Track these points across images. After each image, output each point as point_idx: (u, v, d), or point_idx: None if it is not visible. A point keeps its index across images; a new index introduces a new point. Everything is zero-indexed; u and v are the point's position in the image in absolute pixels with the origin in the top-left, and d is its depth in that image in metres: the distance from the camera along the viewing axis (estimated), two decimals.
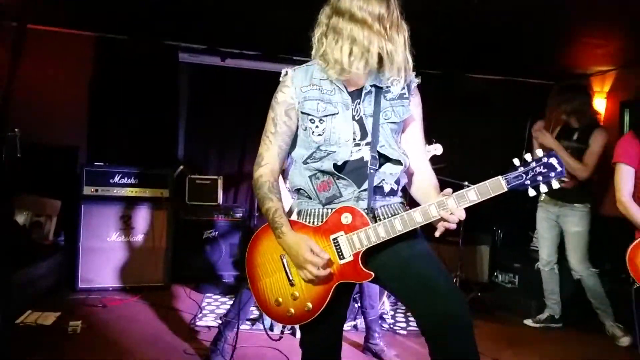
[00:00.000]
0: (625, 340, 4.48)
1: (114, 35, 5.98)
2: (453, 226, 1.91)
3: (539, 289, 5.10)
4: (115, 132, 6.01)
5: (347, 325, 4.42)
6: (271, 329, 3.99)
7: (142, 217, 5.37)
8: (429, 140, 4.37)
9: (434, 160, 4.36)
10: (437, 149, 4.38)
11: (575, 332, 4.78)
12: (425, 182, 2.18)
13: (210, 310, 4.80)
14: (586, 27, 4.79)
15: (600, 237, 4.85)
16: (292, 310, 2.05)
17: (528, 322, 4.98)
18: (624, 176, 3.35)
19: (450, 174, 5.32)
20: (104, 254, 5.22)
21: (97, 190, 5.23)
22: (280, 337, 3.59)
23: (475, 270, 6.11)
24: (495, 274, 6.02)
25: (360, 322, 4.34)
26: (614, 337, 4.55)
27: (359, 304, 4.13)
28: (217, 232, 5.77)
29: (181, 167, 5.73)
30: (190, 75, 6.43)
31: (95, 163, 5.36)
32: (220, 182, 5.96)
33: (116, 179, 5.30)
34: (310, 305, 2.02)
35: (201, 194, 5.89)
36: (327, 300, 1.99)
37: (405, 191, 2.28)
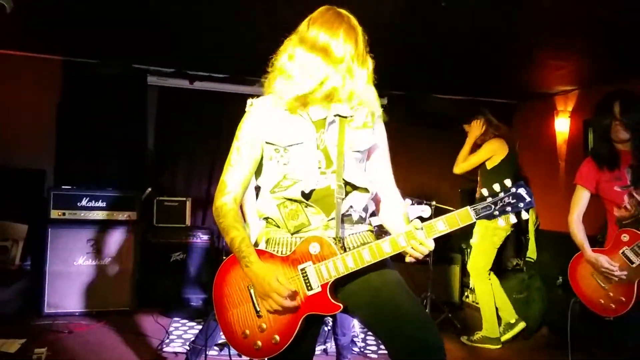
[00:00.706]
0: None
1: (82, 59, 5.93)
2: (421, 256, 1.92)
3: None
4: (83, 155, 5.96)
5: (317, 349, 4.40)
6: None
7: (109, 241, 5.30)
8: (418, 201, 4.41)
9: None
10: (425, 210, 4.41)
11: (545, 349, 4.83)
12: (394, 209, 2.18)
13: (177, 335, 4.74)
14: (546, 50, 4.91)
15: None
16: (260, 343, 2.01)
17: (464, 339, 5.07)
18: (577, 198, 3.46)
19: (418, 194, 5.38)
20: (71, 278, 5.13)
21: (64, 214, 5.15)
22: None
23: (446, 290, 6.12)
24: (466, 294, 6.06)
25: (330, 346, 4.32)
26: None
27: (329, 328, 4.11)
28: (185, 255, 5.70)
29: (149, 189, 5.66)
30: (158, 98, 6.40)
31: (63, 186, 5.29)
32: (188, 204, 5.91)
33: (84, 202, 5.23)
34: (277, 337, 1.98)
35: (169, 216, 5.83)
36: (295, 333, 1.96)
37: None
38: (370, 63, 2.09)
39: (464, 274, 6.22)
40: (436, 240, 1.91)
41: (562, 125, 6.39)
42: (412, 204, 4.34)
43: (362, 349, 4.55)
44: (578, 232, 3.42)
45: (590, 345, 3.73)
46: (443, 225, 1.88)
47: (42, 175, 5.78)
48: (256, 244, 2.18)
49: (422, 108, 6.81)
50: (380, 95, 6.70)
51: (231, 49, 5.33)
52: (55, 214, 5.12)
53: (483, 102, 7.01)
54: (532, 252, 6.04)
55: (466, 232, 6.29)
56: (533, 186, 6.67)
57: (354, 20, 2.06)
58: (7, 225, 5.25)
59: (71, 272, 5.13)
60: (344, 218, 2.08)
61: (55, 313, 5.01)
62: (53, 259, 5.08)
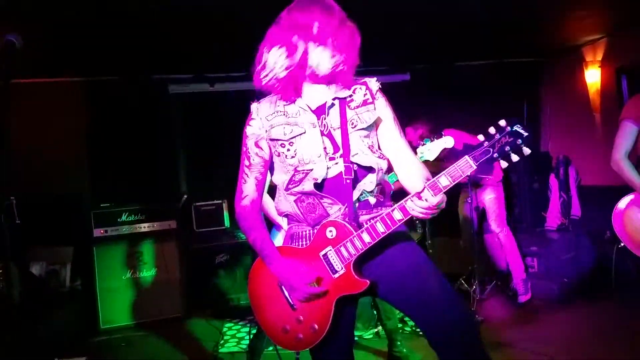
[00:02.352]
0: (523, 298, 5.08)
1: (103, 78, 6.05)
2: (425, 214, 1.89)
3: (560, 271, 5.04)
4: (116, 171, 6.08)
5: (370, 333, 4.42)
6: None
7: (153, 251, 5.41)
8: (438, 133, 4.34)
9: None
10: (448, 141, 4.31)
11: (597, 306, 4.71)
12: (412, 175, 2.12)
13: (231, 335, 4.81)
14: (567, 1, 4.74)
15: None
16: (301, 335, 2.06)
17: None
18: (624, 134, 3.31)
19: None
20: (122, 292, 5.27)
21: (106, 232, 5.29)
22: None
23: (492, 259, 6.00)
24: None
25: (382, 329, 4.32)
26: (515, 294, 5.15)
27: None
28: (228, 256, 5.75)
29: (185, 196, 5.76)
30: (183, 105, 6.49)
31: (102, 205, 5.41)
32: (225, 205, 5.97)
33: (123, 218, 5.35)
34: (316, 326, 2.03)
35: (208, 219, 5.91)
36: (331, 317, 2.00)
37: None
38: (354, 39, 2.06)
39: None
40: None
41: (593, 77, 6.17)
42: (432, 140, 4.24)
43: (414, 328, 4.52)
44: (628, 170, 3.26)
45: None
46: (446, 179, 1.86)
47: (80, 196, 5.94)
48: (285, 242, 2.24)
49: (447, 78, 6.68)
50: (402, 71, 6.62)
51: (245, 46, 5.34)
52: (97, 232, 5.26)
53: (509, 63, 6.85)
54: (576, 210, 5.90)
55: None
56: (570, 142, 6.54)
57: (329, 1, 2.04)
58: (53, 249, 5.42)
59: (121, 287, 5.27)
60: (363, 205, 2.08)
61: (111, 328, 5.16)
62: (102, 276, 5.22)
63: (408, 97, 5.87)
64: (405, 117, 5.71)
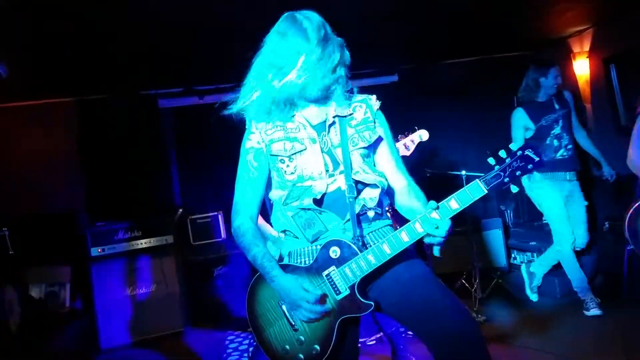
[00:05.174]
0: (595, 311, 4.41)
1: (92, 96, 6.02)
2: (440, 240, 1.88)
3: (560, 265, 5.03)
4: (111, 189, 6.05)
5: (372, 340, 4.40)
6: None
7: (151, 267, 5.37)
8: (411, 129, 4.31)
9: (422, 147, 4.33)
10: (423, 134, 4.29)
11: (600, 298, 4.69)
12: (408, 196, 2.13)
13: (234, 348, 4.78)
14: None
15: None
16: (301, 356, 2.01)
17: None
18: None
19: (446, 165, 5.28)
20: (122, 310, 5.22)
21: (103, 250, 5.24)
22: None
23: (492, 256, 5.98)
24: (513, 255, 5.90)
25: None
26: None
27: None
28: (227, 268, 5.74)
29: (180, 210, 5.73)
30: (173, 119, 6.46)
31: (97, 223, 5.38)
32: (220, 217, 5.95)
33: (120, 235, 5.31)
34: (317, 347, 1.98)
35: (204, 232, 5.88)
36: (333, 340, 1.96)
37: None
38: (338, 55, 2.02)
39: (508, 236, 6.07)
40: (473, 203, 1.86)
41: (582, 68, 6.16)
42: (407, 135, 4.22)
43: None
44: None
45: None
46: (456, 203, 1.85)
47: (76, 215, 5.90)
48: (280, 259, 2.19)
49: (434, 77, 6.66)
50: (390, 72, 6.60)
51: (233, 58, 5.32)
52: (95, 251, 5.20)
53: (497, 58, 6.84)
54: None
55: (498, 193, 6.16)
56: None
57: (306, 22, 1.99)
58: (51, 270, 5.38)
59: (121, 304, 5.22)
60: (360, 218, 2.06)
61: (114, 347, 5.11)
62: (101, 294, 5.17)
63: (397, 98, 5.85)
64: (395, 119, 5.72)
